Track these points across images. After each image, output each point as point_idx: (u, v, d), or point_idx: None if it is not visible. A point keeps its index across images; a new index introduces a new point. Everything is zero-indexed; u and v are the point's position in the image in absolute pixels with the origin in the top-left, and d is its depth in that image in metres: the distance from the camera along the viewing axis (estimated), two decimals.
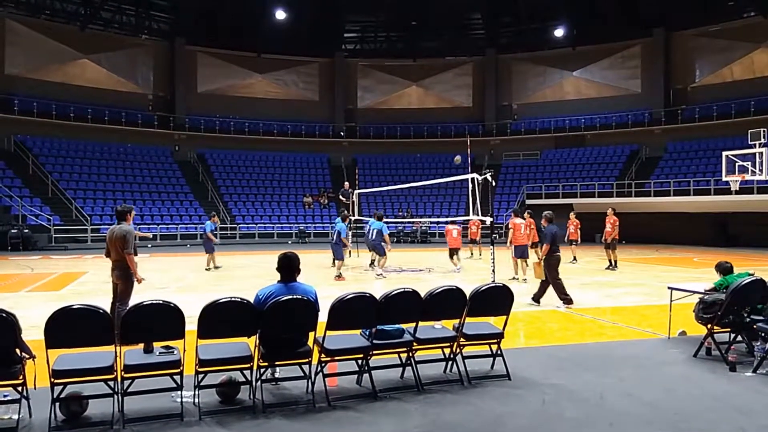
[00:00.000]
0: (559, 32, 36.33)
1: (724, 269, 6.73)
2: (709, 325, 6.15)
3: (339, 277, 14.17)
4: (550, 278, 9.88)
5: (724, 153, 21.08)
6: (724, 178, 21.78)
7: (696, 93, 33.60)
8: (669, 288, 7.38)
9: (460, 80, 39.45)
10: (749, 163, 20.51)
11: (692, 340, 6.86)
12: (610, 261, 16.39)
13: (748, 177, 20.52)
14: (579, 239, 18.89)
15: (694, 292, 6.93)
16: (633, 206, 29.31)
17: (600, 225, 16.80)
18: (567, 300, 9.85)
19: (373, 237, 14.86)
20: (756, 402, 4.97)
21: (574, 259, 18.52)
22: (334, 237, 14.87)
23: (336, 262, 14.99)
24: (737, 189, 21.72)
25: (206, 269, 16.01)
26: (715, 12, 32.35)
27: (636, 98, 35.10)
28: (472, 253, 20.53)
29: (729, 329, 6.27)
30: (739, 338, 6.35)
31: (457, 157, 18.55)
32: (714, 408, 4.85)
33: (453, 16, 37.77)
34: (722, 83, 32.53)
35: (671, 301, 7.21)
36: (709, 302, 6.25)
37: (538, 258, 10.35)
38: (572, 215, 19.09)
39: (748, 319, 6.18)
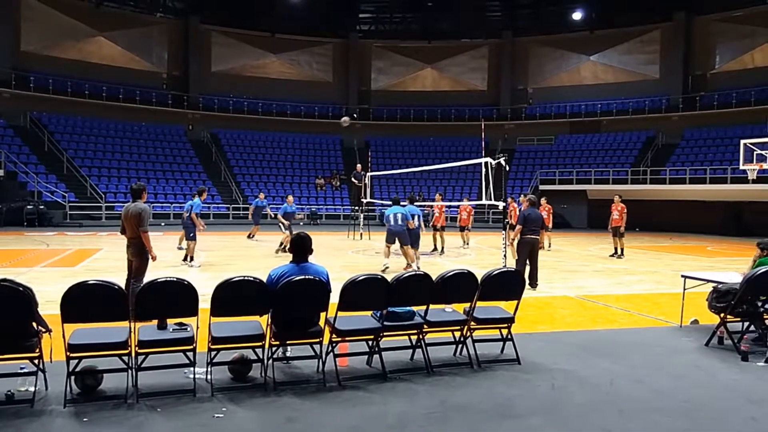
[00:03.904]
0: (577, 15, 35.71)
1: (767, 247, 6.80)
2: (722, 314, 6.12)
3: (413, 264, 12.56)
4: (518, 261, 9.83)
5: (743, 141, 20.73)
6: (741, 167, 21.46)
7: (715, 79, 33.00)
8: (682, 276, 7.34)
9: (475, 63, 39.02)
10: None
11: (704, 329, 6.82)
12: (616, 248, 16.27)
13: (766, 166, 20.22)
14: (550, 225, 18.31)
15: (708, 281, 6.88)
16: (647, 194, 29.02)
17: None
18: (531, 285, 9.79)
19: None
20: (767, 392, 4.94)
21: (544, 246, 17.56)
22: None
23: (413, 249, 12.91)
24: (754, 178, 21.43)
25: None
26: None
27: (654, 84, 34.55)
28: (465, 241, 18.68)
29: (742, 318, 6.23)
30: (752, 328, 6.31)
31: (345, 118, 21.90)
32: (725, 397, 4.83)
33: None
34: (743, 70, 31.87)
35: (684, 289, 7.17)
36: (723, 291, 6.20)
37: (510, 241, 10.21)
38: (543, 200, 17.86)
39: (762, 309, 6.14)
